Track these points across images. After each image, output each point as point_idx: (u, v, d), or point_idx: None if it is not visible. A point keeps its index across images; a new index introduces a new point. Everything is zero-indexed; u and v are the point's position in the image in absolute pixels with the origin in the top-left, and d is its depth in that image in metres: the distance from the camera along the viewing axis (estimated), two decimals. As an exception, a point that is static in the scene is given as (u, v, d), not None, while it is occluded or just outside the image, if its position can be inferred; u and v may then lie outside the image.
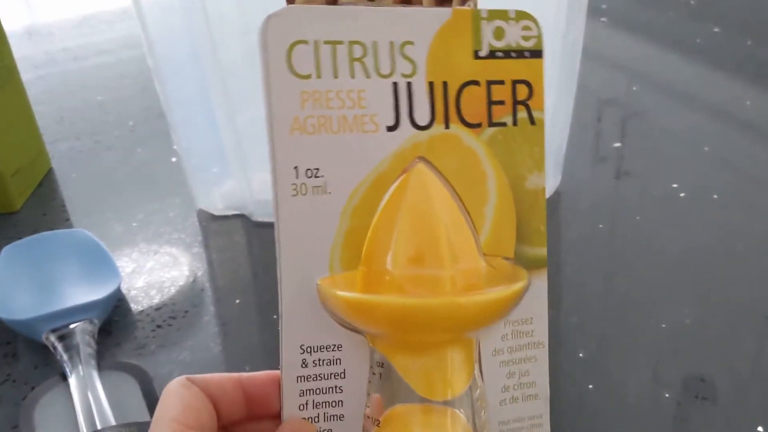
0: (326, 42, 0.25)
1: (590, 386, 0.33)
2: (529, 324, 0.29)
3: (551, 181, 0.51)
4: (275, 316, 0.39)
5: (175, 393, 0.24)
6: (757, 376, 0.34)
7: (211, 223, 0.49)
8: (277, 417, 0.26)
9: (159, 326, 0.40)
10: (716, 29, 0.77)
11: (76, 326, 0.38)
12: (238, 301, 0.42)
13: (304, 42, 0.24)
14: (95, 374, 0.35)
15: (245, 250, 0.47)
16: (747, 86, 0.68)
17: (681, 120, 0.64)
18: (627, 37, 0.79)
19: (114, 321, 0.41)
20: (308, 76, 0.25)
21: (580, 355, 0.34)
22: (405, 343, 0.26)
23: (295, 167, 0.25)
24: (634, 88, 0.69)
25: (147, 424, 0.30)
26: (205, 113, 0.44)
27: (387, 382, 0.26)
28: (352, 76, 0.25)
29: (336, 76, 0.25)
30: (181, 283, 0.44)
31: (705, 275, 0.42)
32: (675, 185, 0.52)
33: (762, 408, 0.33)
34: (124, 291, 0.44)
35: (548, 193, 0.50)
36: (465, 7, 0.27)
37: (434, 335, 0.25)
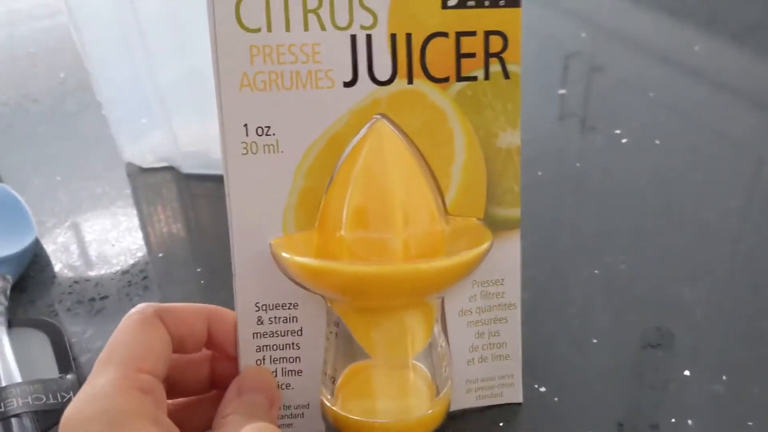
0: (278, -8, 0.24)
1: None
2: (500, 285, 0.28)
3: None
4: (199, 270, 0.39)
5: (135, 328, 0.23)
6: (684, 323, 0.34)
7: (139, 176, 0.48)
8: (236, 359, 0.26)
9: (76, 282, 0.39)
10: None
11: (-13, 282, 0.37)
12: (161, 254, 0.41)
13: (254, -7, 0.23)
14: (4, 331, 0.34)
15: (173, 202, 0.46)
16: (697, 32, 0.65)
17: (628, 65, 0.61)
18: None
19: (30, 277, 0.40)
20: (258, 30, 0.24)
21: None
22: (361, 306, 0.25)
23: (245, 125, 0.24)
24: (583, 35, 0.66)
25: (53, 381, 0.31)
26: (127, 63, 0.43)
27: (344, 341, 0.26)
28: (306, 29, 0.24)
29: (288, 30, 0.24)
30: (102, 238, 0.43)
31: (642, 222, 0.41)
32: (617, 131, 0.50)
33: (686, 353, 0.32)
34: (44, 246, 0.42)
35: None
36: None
37: (390, 301, 0.25)
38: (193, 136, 0.45)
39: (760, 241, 0.40)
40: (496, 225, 0.27)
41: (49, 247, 0.43)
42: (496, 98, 0.26)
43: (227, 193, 0.24)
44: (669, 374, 0.31)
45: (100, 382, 0.21)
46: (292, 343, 0.26)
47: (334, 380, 0.27)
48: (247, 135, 0.24)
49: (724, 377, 0.31)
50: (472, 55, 0.26)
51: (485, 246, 0.26)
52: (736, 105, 0.54)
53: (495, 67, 0.26)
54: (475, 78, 0.26)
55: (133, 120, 0.47)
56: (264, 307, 0.26)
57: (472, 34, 0.25)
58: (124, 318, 0.24)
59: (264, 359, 0.26)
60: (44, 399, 0.29)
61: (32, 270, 0.41)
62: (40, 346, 0.34)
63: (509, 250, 0.28)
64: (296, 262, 0.24)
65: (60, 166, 0.51)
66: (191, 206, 0.45)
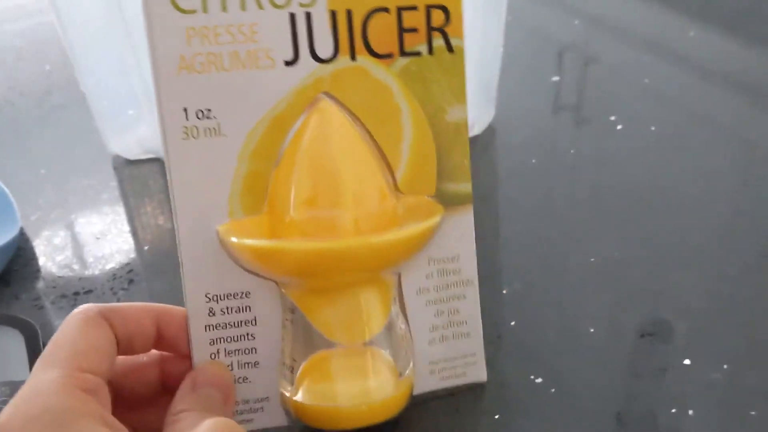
0: (211, -29, 0.23)
1: (512, 323, 0.32)
2: (455, 262, 0.28)
3: (484, 116, 0.48)
4: None
5: (78, 328, 0.22)
6: (681, 311, 0.33)
7: (125, 168, 0.48)
8: (188, 357, 0.25)
9: (61, 276, 0.39)
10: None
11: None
12: (147, 247, 0.40)
13: (187, -28, 0.23)
14: None
15: (159, 194, 0.45)
16: (691, 19, 0.65)
17: (621, 52, 0.61)
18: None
19: (14, 271, 0.39)
20: (193, 11, 0.23)
21: (504, 291, 0.34)
22: (315, 287, 0.25)
23: (185, 108, 0.23)
24: (576, 22, 0.66)
25: (22, 383, 0.29)
26: (112, 55, 0.42)
27: (301, 327, 0.26)
28: (243, 9, 0.23)
29: (224, 10, 0.23)
30: (88, 231, 0.42)
31: (637, 208, 0.40)
32: (612, 118, 0.49)
33: (685, 342, 0.31)
34: (29, 240, 0.42)
35: (481, 128, 0.48)
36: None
37: (343, 277, 0.25)
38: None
39: (756, 226, 0.39)
40: (447, 201, 0.27)
41: (33, 241, 0.42)
42: (442, 73, 0.26)
43: (169, 179, 0.24)
44: (668, 363, 0.30)
45: (41, 381, 0.20)
46: (247, 334, 0.26)
47: (293, 369, 0.26)
48: (187, 119, 0.23)
49: (724, 366, 0.30)
50: (414, 30, 0.25)
51: (436, 219, 0.26)
52: (729, 91, 0.54)
53: (438, 41, 0.26)
54: (418, 53, 0.26)
55: (118, 112, 0.46)
56: (215, 298, 0.25)
57: (413, 8, 0.25)
58: (66, 318, 0.23)
59: (218, 353, 0.25)
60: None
61: (16, 264, 0.40)
62: (14, 345, 0.32)
63: (463, 226, 0.28)
64: (246, 246, 0.24)
65: (45, 159, 0.50)
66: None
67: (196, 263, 0.24)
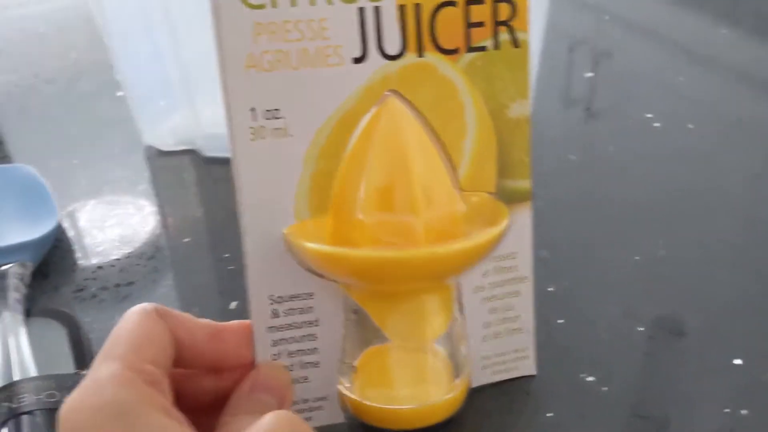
0: (280, -35, 0.22)
1: (560, 321, 0.32)
2: (512, 259, 0.28)
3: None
4: (226, 255, 0.38)
5: (137, 322, 0.22)
6: (730, 310, 0.33)
7: (158, 159, 0.47)
8: (250, 366, 0.25)
9: (100, 267, 0.38)
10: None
11: (7, 269, 0.35)
12: (187, 240, 0.40)
13: (256, -34, 0.22)
14: (21, 321, 0.32)
15: (195, 186, 0.44)
16: (721, 18, 0.65)
17: (654, 52, 0.61)
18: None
19: (52, 263, 0.38)
20: (262, 6, 0.22)
21: (550, 289, 0.34)
22: (380, 291, 0.25)
23: (252, 108, 0.22)
24: (606, 18, 0.66)
25: (68, 377, 0.28)
26: (149, 42, 0.41)
27: (362, 328, 0.26)
28: (313, 4, 0.22)
29: (294, 4, 0.22)
30: (125, 223, 0.42)
31: (679, 206, 0.40)
32: (649, 115, 0.49)
33: (735, 341, 0.31)
34: (67, 231, 0.41)
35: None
36: None
37: (410, 285, 0.24)
38: (216, 118, 0.44)
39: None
40: (507, 198, 0.27)
41: (69, 232, 0.41)
42: (507, 68, 0.25)
43: (236, 182, 0.23)
44: (718, 363, 0.30)
45: (102, 373, 0.20)
46: (309, 335, 0.25)
47: (352, 369, 0.26)
48: (255, 119, 0.23)
49: None
50: (480, 24, 0.25)
51: (504, 224, 0.25)
52: (766, 91, 0.54)
53: (504, 35, 0.25)
54: (484, 48, 0.25)
55: (153, 101, 0.45)
56: (279, 299, 0.24)
57: (480, 2, 0.24)
58: (125, 314, 0.22)
59: (280, 354, 0.25)
60: (57, 396, 0.27)
61: (54, 255, 0.39)
62: (57, 338, 0.32)
63: (521, 223, 0.27)
64: (311, 250, 0.23)
65: (77, 149, 0.49)
66: (214, 191, 0.43)
67: (261, 265, 0.24)
